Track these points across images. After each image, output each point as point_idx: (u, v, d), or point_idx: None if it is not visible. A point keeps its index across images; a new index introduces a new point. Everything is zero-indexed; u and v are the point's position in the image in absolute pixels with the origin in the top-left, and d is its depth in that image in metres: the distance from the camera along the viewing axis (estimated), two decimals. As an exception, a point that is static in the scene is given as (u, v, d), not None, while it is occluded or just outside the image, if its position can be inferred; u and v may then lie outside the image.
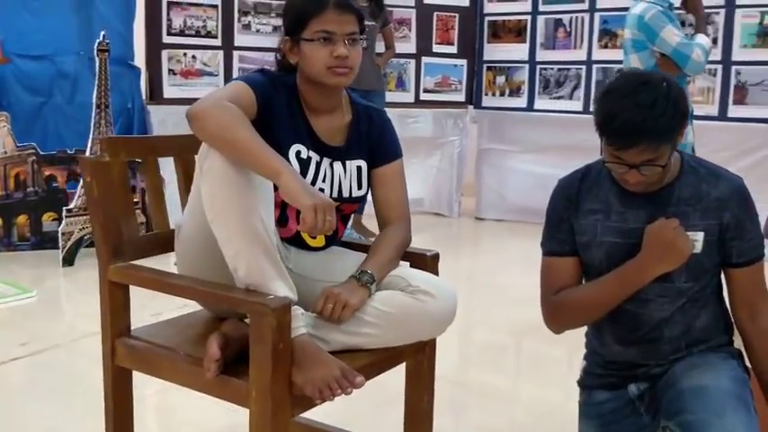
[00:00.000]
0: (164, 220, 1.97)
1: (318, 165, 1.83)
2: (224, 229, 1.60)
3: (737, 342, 1.82)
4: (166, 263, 1.89)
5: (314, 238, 1.87)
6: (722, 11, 4.70)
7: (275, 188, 1.61)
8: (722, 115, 4.74)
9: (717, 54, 4.68)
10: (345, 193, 1.87)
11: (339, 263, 1.86)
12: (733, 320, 1.81)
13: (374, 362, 1.70)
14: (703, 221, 1.71)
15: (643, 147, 1.58)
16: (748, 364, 1.78)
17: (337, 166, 1.86)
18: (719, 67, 4.76)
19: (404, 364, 1.89)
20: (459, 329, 1.85)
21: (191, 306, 2.00)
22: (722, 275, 1.79)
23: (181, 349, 1.72)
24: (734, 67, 4.73)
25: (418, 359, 1.88)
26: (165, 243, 1.91)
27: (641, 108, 1.57)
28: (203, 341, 1.62)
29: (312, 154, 1.82)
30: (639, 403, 1.79)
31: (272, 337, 1.48)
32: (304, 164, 1.80)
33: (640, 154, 1.60)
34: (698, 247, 1.70)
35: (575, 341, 2.01)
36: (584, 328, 1.91)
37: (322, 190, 1.80)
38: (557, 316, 1.82)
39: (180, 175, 1.99)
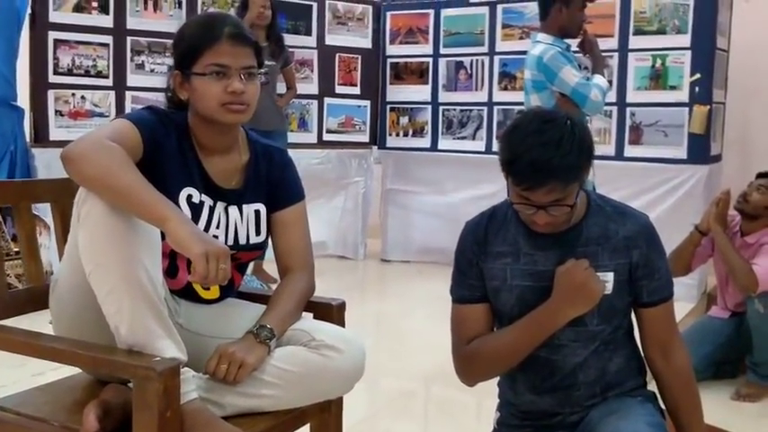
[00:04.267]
0: (38, 273, 1.79)
1: (212, 210, 1.69)
2: (104, 283, 1.43)
3: (651, 383, 1.79)
4: (42, 322, 1.70)
5: (207, 289, 1.72)
6: (616, 54, 4.84)
7: (163, 236, 1.46)
8: (619, 155, 4.85)
9: (612, 96, 4.80)
10: (242, 240, 1.74)
11: (235, 317, 1.71)
12: (645, 361, 1.77)
13: (275, 425, 1.57)
14: (612, 261, 1.68)
15: (551, 186, 1.54)
16: (662, 404, 1.75)
17: (233, 210, 1.73)
18: (615, 108, 4.88)
19: (308, 426, 1.75)
20: (366, 378, 1.74)
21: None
22: (632, 315, 1.76)
23: (55, 420, 1.53)
24: (629, 109, 4.86)
25: (324, 419, 1.75)
26: (39, 299, 1.72)
27: (547, 147, 1.53)
28: (82, 409, 1.45)
29: (205, 198, 1.68)
30: (558, 454, 1.72)
31: (158, 404, 1.33)
32: (196, 209, 1.66)
33: (548, 194, 1.55)
34: (609, 288, 1.67)
35: (485, 388, 1.91)
36: (497, 378, 1.83)
37: (216, 237, 1.66)
38: (470, 368, 1.74)
39: (57, 222, 1.82)
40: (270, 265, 4.50)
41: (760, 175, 3.49)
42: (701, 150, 4.62)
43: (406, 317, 4.49)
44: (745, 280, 3.15)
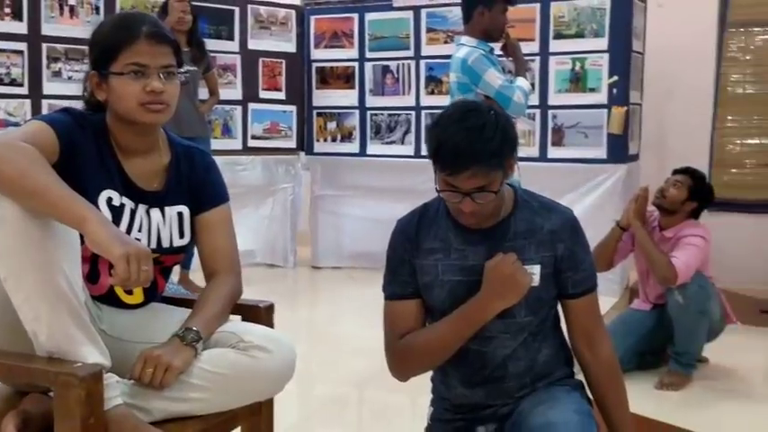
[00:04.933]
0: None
1: (133, 212, 1.65)
2: (20, 289, 1.38)
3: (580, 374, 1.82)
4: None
5: (129, 293, 1.67)
6: (537, 58, 4.95)
7: (82, 239, 1.41)
8: (543, 156, 4.96)
9: (535, 99, 4.92)
10: (165, 243, 1.70)
11: (160, 322, 1.67)
12: (573, 352, 1.81)
13: (205, 429, 1.54)
14: (539, 254, 1.71)
15: (474, 170, 1.57)
16: (589, 394, 1.79)
17: (155, 213, 1.69)
18: (538, 111, 4.99)
19: (239, 429, 1.72)
20: (298, 384, 1.72)
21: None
22: (559, 307, 1.79)
23: (-29, 434, 1.46)
24: (550, 111, 4.98)
25: (254, 422, 1.72)
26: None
27: (470, 132, 1.57)
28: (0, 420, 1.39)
29: (125, 200, 1.64)
30: (489, 445, 1.74)
31: (80, 412, 1.29)
32: (116, 212, 1.61)
33: (472, 178, 1.58)
34: (535, 281, 1.70)
35: (418, 387, 1.93)
36: (430, 374, 1.84)
37: (139, 240, 1.61)
38: (403, 363, 1.75)
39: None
40: (196, 274, 4.42)
41: (676, 172, 3.62)
42: (619, 150, 4.77)
43: (338, 322, 4.47)
44: (664, 272, 3.26)
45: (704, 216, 4.24)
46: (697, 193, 3.51)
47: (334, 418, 3.04)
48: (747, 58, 5.29)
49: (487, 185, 1.60)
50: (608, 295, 4.52)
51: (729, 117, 5.31)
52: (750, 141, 5.28)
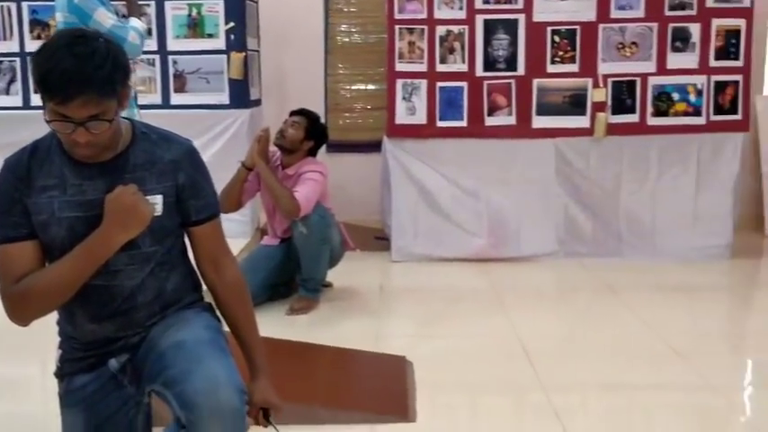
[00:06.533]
0: None
1: None
2: None
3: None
4: None
5: None
6: (153, 3, 4.84)
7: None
8: (166, 103, 4.91)
9: (153, 44, 4.82)
10: None
11: None
12: (201, 277, 1.86)
13: None
14: (160, 184, 1.72)
15: (86, 98, 1.52)
16: (220, 315, 1.86)
17: None
18: (157, 57, 4.90)
19: None
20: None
21: None
22: (186, 236, 1.83)
23: None
24: (170, 57, 4.92)
25: None
26: None
27: (80, 58, 1.51)
28: None
29: None
30: (122, 376, 1.74)
31: None
32: None
33: (84, 107, 1.53)
34: (158, 210, 1.71)
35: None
36: (56, 316, 1.76)
37: None
38: (23, 306, 1.64)
39: None
40: None
41: (293, 113, 3.86)
42: (241, 96, 4.92)
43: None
44: (288, 206, 3.49)
45: (325, 157, 4.61)
46: (313, 133, 3.79)
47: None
48: (352, 10, 5.76)
49: (101, 114, 1.55)
50: (241, 237, 4.69)
51: (340, 65, 5.76)
52: (358, 87, 5.79)
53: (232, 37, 4.84)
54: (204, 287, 1.85)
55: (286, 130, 3.73)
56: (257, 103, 5.22)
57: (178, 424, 1.56)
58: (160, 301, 1.75)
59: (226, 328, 1.83)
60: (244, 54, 4.85)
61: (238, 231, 4.69)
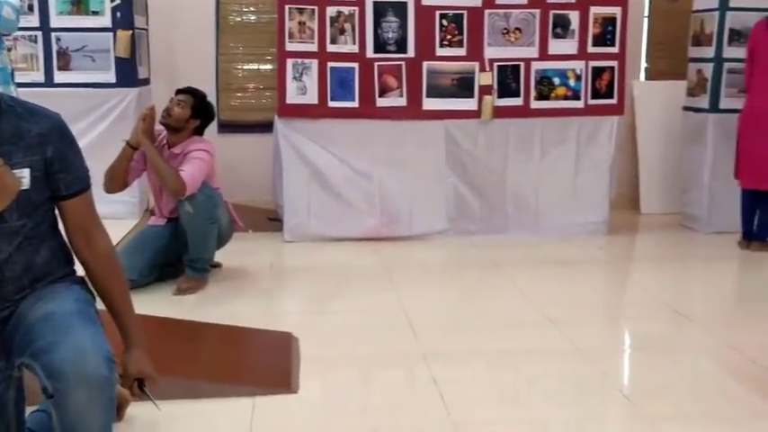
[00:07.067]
0: None
1: None
2: None
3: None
4: None
5: None
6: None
7: None
8: (49, 81, 4.76)
9: (35, 21, 4.67)
10: None
11: None
12: (72, 251, 1.85)
13: None
14: (27, 158, 1.70)
15: None
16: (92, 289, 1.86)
17: None
18: (40, 33, 4.74)
19: None
20: None
21: None
22: (57, 210, 1.82)
23: None
24: (54, 34, 4.76)
25: None
26: None
27: None
28: None
29: None
30: (-9, 350, 1.71)
31: None
32: None
33: None
34: (25, 184, 1.70)
35: None
36: None
37: None
38: None
39: None
40: None
41: (179, 92, 3.81)
42: (128, 74, 4.82)
43: None
44: (174, 185, 3.46)
45: (217, 138, 4.57)
46: (200, 111, 3.75)
47: None
48: (244, -11, 5.70)
49: None
50: (129, 218, 4.62)
51: (231, 44, 5.70)
52: (251, 67, 5.75)
53: (118, 14, 4.73)
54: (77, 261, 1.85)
55: (172, 109, 3.68)
56: (146, 82, 5.12)
57: (45, 394, 1.56)
58: (29, 275, 1.74)
59: (101, 306, 1.83)
60: (131, 32, 4.75)
61: (127, 212, 4.63)
